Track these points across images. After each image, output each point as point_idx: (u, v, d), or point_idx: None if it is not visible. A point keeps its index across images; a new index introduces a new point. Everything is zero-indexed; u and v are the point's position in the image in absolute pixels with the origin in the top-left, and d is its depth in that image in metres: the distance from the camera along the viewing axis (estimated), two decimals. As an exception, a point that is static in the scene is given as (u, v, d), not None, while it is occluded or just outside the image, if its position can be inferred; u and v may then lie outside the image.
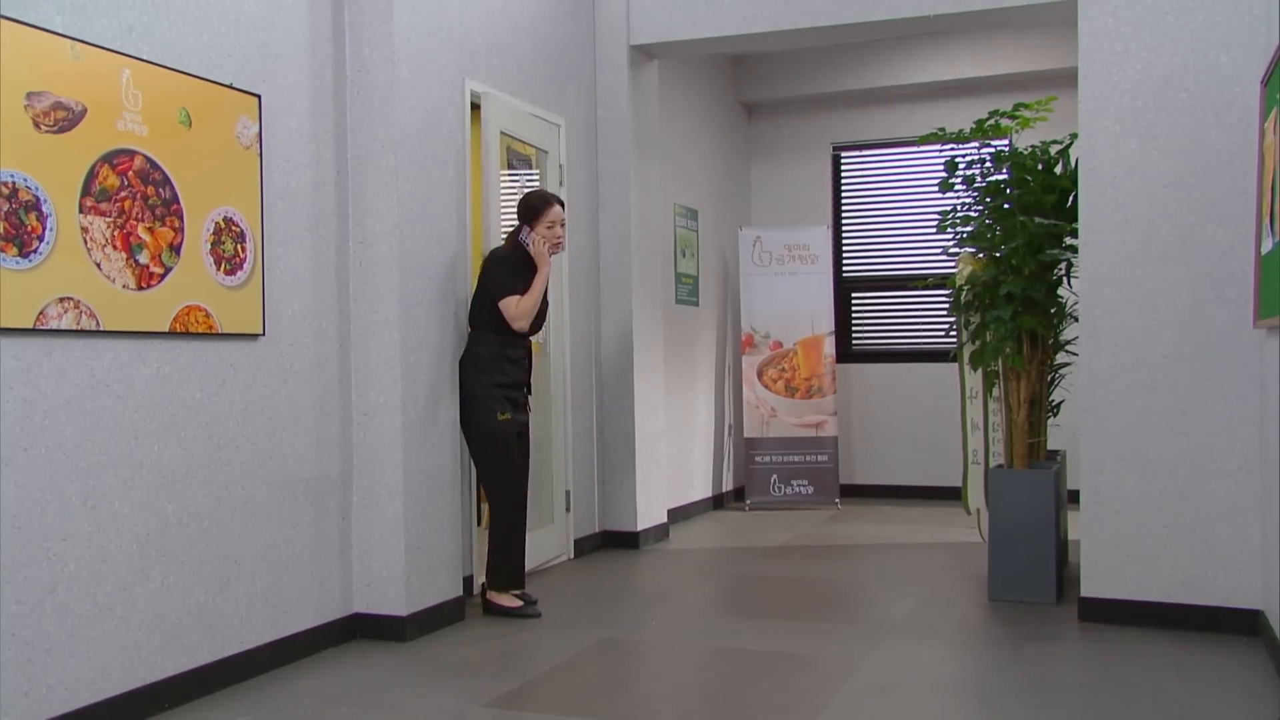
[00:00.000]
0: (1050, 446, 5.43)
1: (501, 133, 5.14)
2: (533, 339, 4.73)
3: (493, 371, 4.46)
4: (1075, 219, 4.63)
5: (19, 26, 2.92)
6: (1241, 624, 4.14)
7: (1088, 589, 4.38)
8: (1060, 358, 5.20)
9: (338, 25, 4.15)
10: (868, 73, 7.90)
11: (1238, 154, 4.14)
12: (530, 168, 5.56)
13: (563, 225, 4.60)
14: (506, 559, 4.53)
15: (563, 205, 4.65)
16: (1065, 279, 5.01)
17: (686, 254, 7.35)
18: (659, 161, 6.61)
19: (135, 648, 3.25)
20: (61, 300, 3.02)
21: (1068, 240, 4.85)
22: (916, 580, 5.22)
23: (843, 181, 8.36)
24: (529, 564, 5.40)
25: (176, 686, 3.38)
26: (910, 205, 8.10)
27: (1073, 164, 4.84)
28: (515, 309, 4.44)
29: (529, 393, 4.69)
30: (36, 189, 2.95)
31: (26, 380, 2.95)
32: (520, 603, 4.57)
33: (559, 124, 5.74)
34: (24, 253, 2.91)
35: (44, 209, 2.97)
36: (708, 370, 7.71)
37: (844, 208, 8.35)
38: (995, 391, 5.30)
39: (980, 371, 5.35)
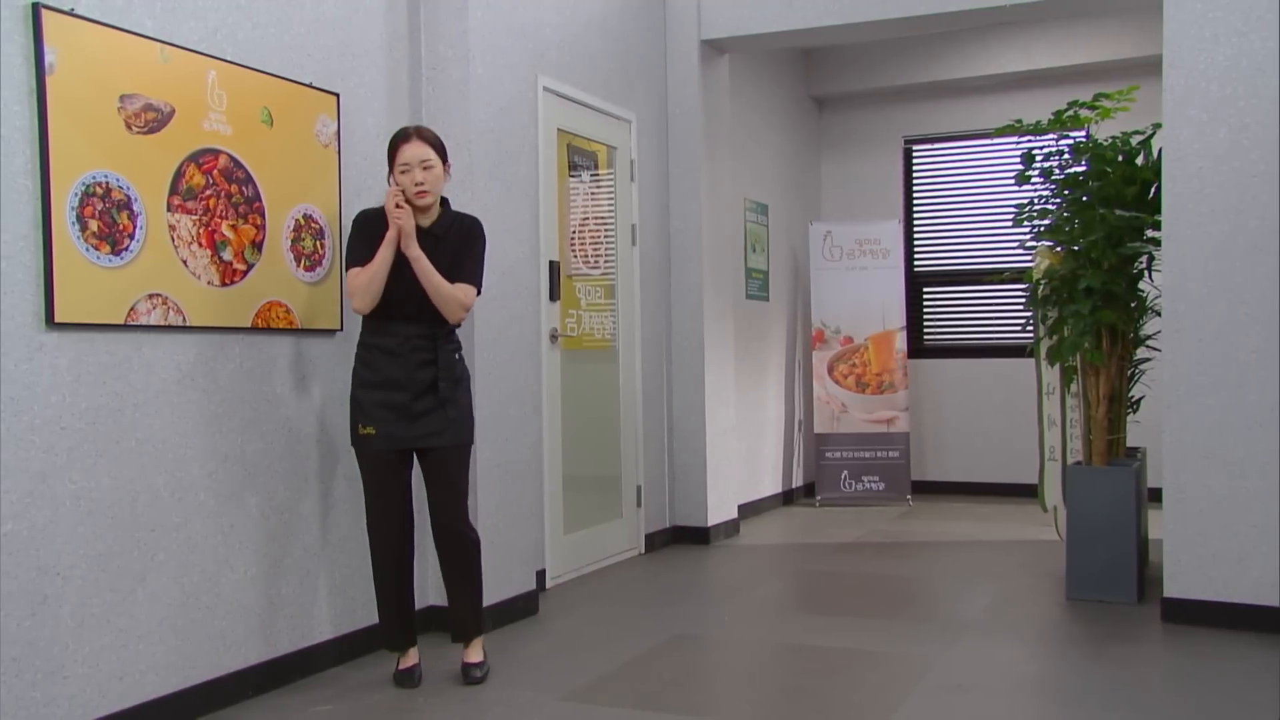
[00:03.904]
0: (1129, 443, 5.32)
1: (562, 130, 5.16)
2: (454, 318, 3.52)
3: (360, 369, 3.47)
4: (1157, 211, 4.52)
5: (113, 31, 3.00)
6: (1334, 627, 4.02)
7: (1170, 589, 4.28)
8: (1140, 353, 5.09)
9: (413, 23, 4.20)
10: (940, 64, 7.78)
11: (1331, 142, 4.01)
12: (596, 166, 5.57)
13: (426, 167, 3.40)
14: (379, 610, 3.64)
15: (436, 144, 3.46)
16: (1146, 273, 4.91)
17: (757, 249, 7.31)
18: (729, 156, 6.59)
19: (221, 637, 3.32)
20: (150, 296, 3.10)
21: (1149, 233, 4.75)
22: (992, 578, 5.15)
23: (914, 175, 8.26)
24: (595, 559, 5.46)
25: (259, 675, 3.46)
26: (983, 199, 7.98)
27: (1155, 155, 4.73)
28: (349, 284, 3.44)
29: (444, 393, 3.46)
30: (128, 188, 3.03)
31: (119, 375, 3.03)
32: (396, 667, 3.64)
33: (630, 120, 5.75)
34: (116, 250, 3.00)
35: (134, 208, 3.05)
36: (778, 365, 7.67)
37: (915, 202, 8.24)
38: (1073, 387, 5.21)
39: (1058, 367, 5.26)
